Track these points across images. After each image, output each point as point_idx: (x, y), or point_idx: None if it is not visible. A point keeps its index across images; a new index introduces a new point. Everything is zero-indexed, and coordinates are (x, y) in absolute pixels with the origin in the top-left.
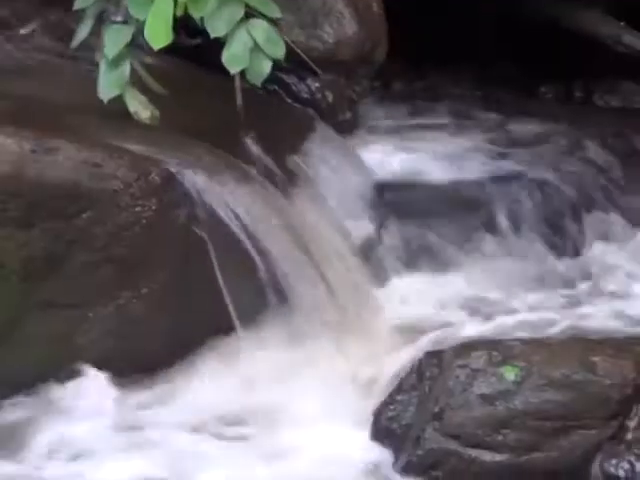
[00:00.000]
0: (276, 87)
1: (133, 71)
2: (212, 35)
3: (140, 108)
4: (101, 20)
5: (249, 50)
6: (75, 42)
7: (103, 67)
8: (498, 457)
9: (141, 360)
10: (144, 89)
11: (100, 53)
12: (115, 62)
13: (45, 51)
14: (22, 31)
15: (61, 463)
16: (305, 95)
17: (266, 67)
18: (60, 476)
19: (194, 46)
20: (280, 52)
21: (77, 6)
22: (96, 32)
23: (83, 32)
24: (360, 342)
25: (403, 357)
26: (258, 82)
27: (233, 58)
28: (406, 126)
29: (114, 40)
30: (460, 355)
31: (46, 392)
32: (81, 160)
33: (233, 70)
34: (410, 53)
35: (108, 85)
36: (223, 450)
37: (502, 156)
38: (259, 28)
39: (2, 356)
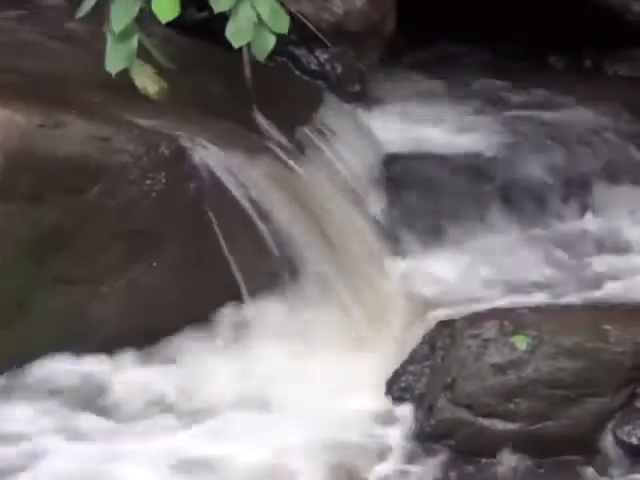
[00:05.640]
0: (285, 59)
1: (140, 45)
2: (216, 10)
3: (148, 82)
4: None
5: (253, 24)
6: (81, 12)
7: (110, 41)
8: (510, 426)
9: (152, 331)
10: (152, 63)
11: (107, 26)
12: (122, 36)
13: (52, 25)
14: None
15: None
16: (314, 67)
17: (270, 42)
18: None
19: (202, 20)
20: (284, 26)
21: None
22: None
23: (89, 3)
24: (372, 311)
25: (414, 327)
26: (262, 57)
27: (237, 32)
28: (415, 97)
29: (121, 14)
30: (472, 325)
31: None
32: (90, 134)
33: (237, 44)
34: (419, 24)
35: (115, 58)
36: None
37: (512, 126)
38: (263, 2)
39: (16, 330)
